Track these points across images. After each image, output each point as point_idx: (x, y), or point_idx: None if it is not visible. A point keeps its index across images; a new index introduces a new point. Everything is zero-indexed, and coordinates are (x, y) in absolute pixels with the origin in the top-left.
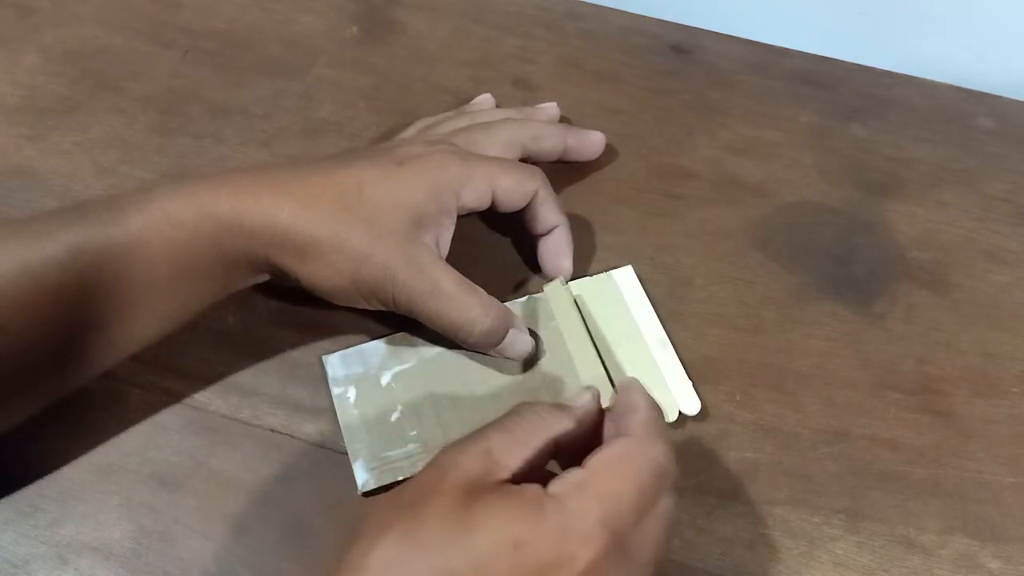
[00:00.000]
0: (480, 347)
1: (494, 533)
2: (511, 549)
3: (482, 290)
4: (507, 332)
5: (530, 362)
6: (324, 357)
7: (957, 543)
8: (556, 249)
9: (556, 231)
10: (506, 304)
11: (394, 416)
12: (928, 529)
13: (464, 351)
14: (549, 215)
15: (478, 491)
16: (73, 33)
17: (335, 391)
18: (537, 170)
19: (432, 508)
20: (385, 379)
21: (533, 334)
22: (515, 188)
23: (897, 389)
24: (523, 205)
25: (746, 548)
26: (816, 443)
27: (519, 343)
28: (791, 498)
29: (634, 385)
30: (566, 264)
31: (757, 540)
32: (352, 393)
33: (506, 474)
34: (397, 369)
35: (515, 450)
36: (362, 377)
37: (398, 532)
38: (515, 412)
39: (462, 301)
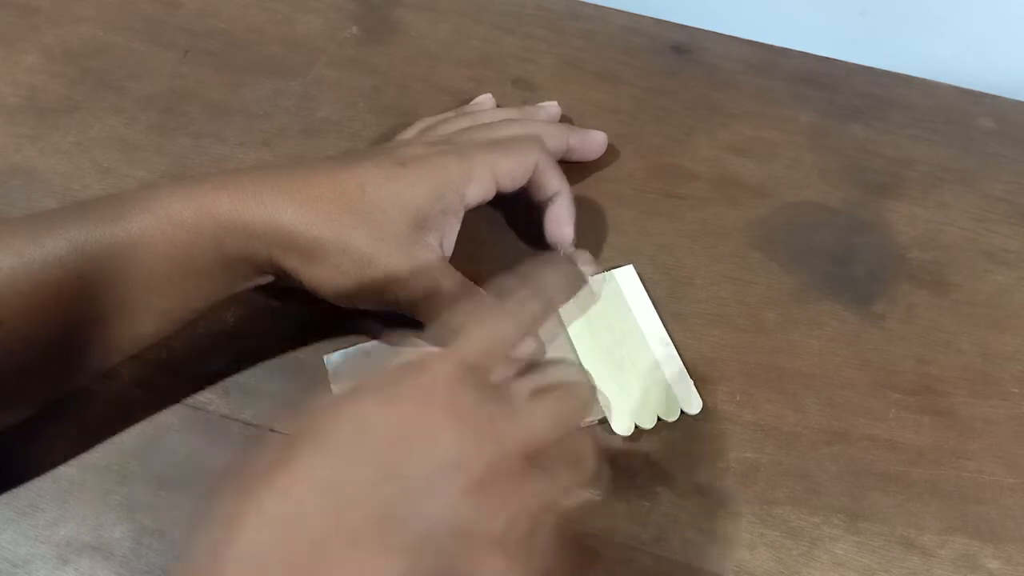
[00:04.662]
0: None
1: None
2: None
3: (484, 293)
4: None
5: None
6: (325, 356)
7: (957, 543)
8: (558, 216)
9: (558, 198)
10: None
11: None
12: (928, 529)
13: None
14: (550, 182)
15: None
16: (73, 33)
17: (336, 390)
18: (535, 138)
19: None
20: None
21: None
22: (517, 168)
23: (897, 389)
24: (527, 180)
25: (746, 548)
26: (816, 443)
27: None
28: (791, 498)
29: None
30: (568, 231)
31: (757, 540)
32: None
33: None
34: None
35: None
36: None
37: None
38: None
39: (464, 304)
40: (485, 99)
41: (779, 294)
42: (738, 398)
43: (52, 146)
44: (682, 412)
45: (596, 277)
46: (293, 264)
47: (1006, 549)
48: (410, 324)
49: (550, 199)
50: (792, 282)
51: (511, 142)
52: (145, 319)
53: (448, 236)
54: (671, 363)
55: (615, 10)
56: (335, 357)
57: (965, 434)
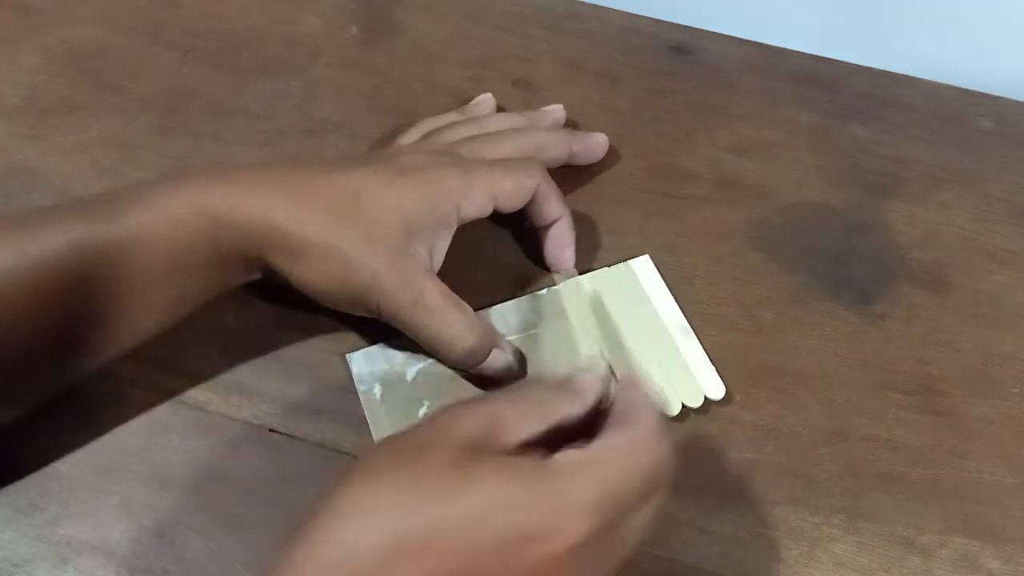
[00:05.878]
0: (461, 365)
1: (488, 494)
2: (503, 512)
3: (468, 307)
4: (490, 352)
5: (550, 358)
6: (348, 355)
7: (957, 543)
8: (558, 240)
9: (558, 223)
10: (510, 302)
11: (421, 412)
12: (928, 529)
13: None
14: (551, 208)
15: (478, 452)
16: (73, 33)
17: (361, 388)
18: (536, 164)
19: (429, 461)
20: (410, 375)
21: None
22: (516, 191)
23: (897, 389)
24: (525, 203)
25: (746, 548)
26: (816, 443)
27: (500, 363)
28: (791, 498)
29: (638, 379)
30: (568, 255)
31: (757, 540)
32: (378, 390)
33: (508, 440)
34: (421, 365)
35: (521, 421)
36: (387, 374)
37: (388, 480)
38: (527, 385)
39: (446, 316)
40: (485, 98)
41: (779, 294)
42: (738, 398)
43: (52, 146)
44: (706, 398)
45: (613, 267)
46: (281, 262)
47: (1006, 549)
48: None
49: (550, 224)
50: (792, 282)
51: (513, 164)
52: (142, 314)
53: (439, 247)
54: (692, 349)
55: (615, 10)
56: (358, 355)
57: (965, 434)
